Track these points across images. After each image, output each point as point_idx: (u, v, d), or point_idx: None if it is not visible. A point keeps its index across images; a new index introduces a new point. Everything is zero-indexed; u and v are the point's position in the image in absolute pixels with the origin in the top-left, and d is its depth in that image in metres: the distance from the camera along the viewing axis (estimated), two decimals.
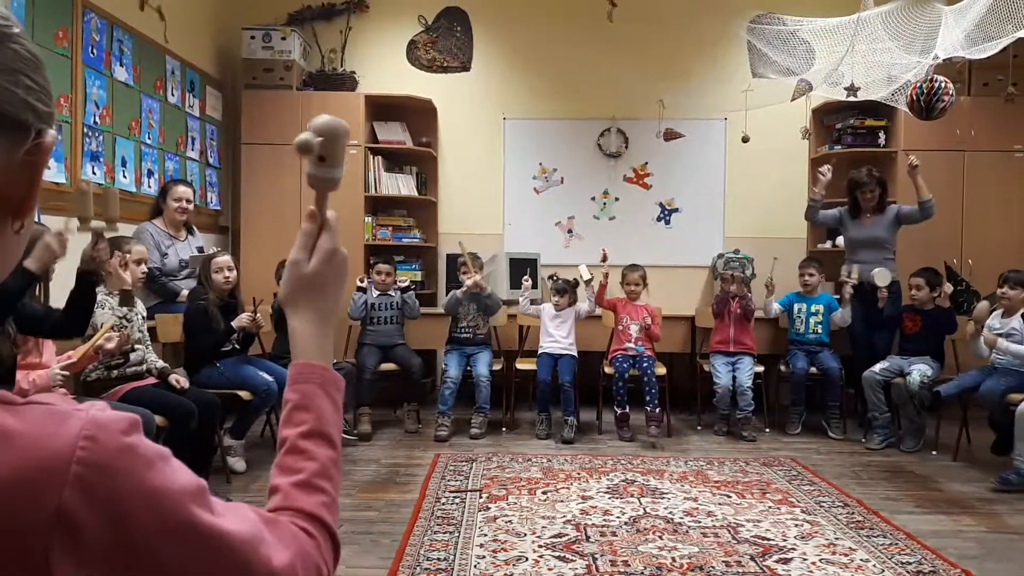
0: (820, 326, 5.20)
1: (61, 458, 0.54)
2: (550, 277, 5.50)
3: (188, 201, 4.67)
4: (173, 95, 5.18)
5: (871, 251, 5.12)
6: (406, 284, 5.28)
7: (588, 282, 5.13)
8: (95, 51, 4.23)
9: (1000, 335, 4.36)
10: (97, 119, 4.27)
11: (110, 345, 3.17)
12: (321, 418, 0.81)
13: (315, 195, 0.86)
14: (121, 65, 4.52)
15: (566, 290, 5.18)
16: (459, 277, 5.23)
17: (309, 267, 0.85)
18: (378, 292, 5.19)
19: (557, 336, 5.12)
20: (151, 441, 0.61)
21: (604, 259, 5.17)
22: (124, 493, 0.57)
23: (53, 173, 3.75)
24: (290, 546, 0.69)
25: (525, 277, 5.28)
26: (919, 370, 4.63)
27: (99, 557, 0.56)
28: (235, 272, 4.21)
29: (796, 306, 5.28)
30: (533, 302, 5.27)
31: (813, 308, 5.23)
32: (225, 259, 4.18)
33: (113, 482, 0.56)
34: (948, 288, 4.88)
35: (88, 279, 2.98)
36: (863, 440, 4.86)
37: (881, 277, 4.88)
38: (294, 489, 0.76)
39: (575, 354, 5.12)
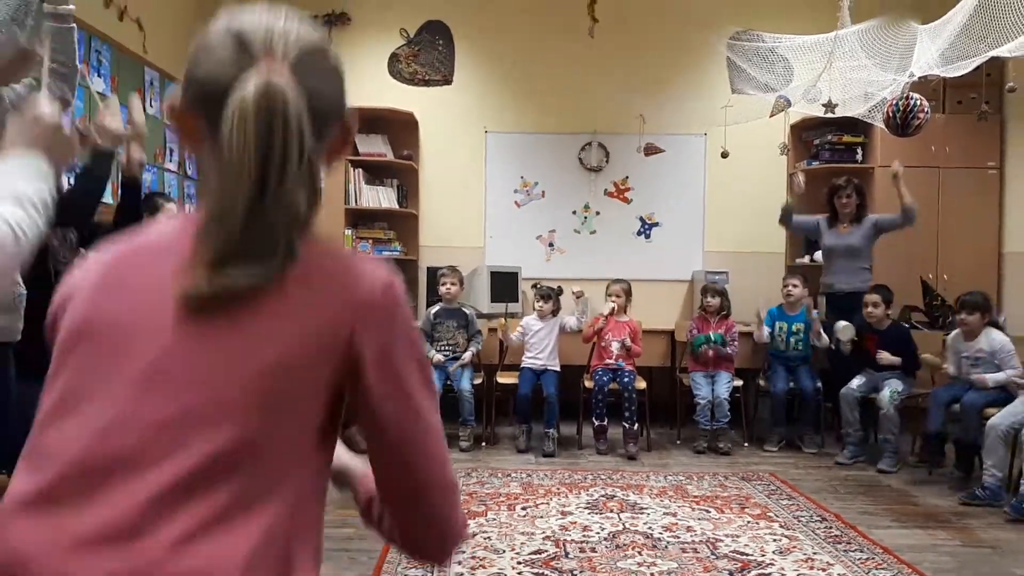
0: (801, 343, 5.22)
1: (372, 294, 0.87)
2: (533, 286, 5.47)
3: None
4: (152, 106, 5.14)
5: (847, 259, 5.17)
6: None
7: (579, 296, 5.14)
8: None
9: (965, 357, 4.42)
10: None
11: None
12: None
13: None
14: (99, 75, 4.49)
15: (550, 296, 5.16)
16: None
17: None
18: None
19: (539, 348, 5.09)
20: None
21: (611, 312, 5.10)
22: (397, 332, 0.88)
23: None
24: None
25: (504, 319, 5.25)
26: (890, 387, 4.65)
27: (368, 371, 0.85)
28: None
29: (778, 324, 5.28)
30: (511, 313, 5.23)
31: (794, 327, 5.23)
32: None
33: (395, 322, 0.88)
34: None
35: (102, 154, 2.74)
36: (836, 455, 4.87)
37: (844, 332, 4.90)
38: None
39: (558, 369, 5.12)
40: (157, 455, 0.78)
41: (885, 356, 4.72)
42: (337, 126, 0.90)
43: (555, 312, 5.17)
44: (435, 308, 5.24)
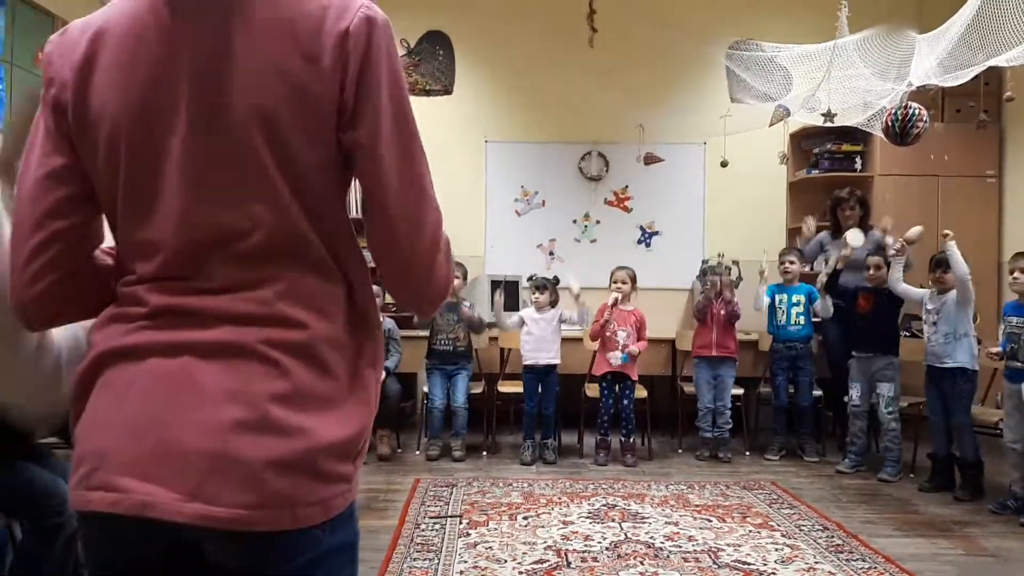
0: (802, 317, 5.15)
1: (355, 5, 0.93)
2: (529, 278, 5.42)
3: None
4: None
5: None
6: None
7: (576, 296, 5.00)
8: None
9: (928, 310, 4.49)
10: None
11: None
12: None
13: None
14: None
15: (546, 286, 5.06)
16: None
17: None
18: None
19: (539, 340, 4.95)
20: None
21: (614, 303, 5.01)
22: (381, 50, 0.94)
23: None
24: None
25: (496, 293, 5.15)
26: (884, 398, 4.65)
27: (351, 79, 0.93)
28: None
29: (777, 297, 5.24)
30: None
31: (794, 299, 5.18)
32: None
33: (379, 35, 0.94)
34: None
35: None
36: (837, 464, 4.87)
37: (855, 237, 4.94)
38: None
39: (558, 361, 5.01)
40: (228, 235, 0.93)
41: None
42: None
43: (553, 303, 5.08)
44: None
